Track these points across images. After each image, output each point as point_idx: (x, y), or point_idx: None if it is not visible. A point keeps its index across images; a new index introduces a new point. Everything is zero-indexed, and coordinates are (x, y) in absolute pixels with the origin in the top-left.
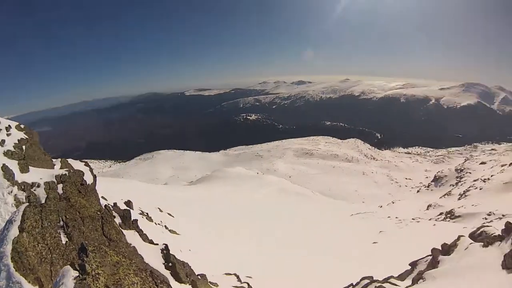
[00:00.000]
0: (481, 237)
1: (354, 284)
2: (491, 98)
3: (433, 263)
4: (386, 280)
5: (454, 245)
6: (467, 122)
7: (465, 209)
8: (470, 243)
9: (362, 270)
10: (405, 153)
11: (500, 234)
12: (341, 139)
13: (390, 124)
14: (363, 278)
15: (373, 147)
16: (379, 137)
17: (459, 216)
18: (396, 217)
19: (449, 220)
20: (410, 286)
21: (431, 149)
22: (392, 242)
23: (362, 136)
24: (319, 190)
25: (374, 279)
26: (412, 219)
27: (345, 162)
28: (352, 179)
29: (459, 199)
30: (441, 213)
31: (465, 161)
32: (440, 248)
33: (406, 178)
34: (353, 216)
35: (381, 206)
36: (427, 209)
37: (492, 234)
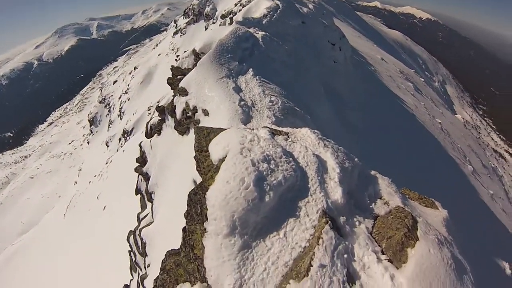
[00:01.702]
0: (153, 130)
1: None
2: (88, 31)
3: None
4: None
5: (144, 153)
6: (83, 61)
7: (134, 122)
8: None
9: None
10: (49, 124)
11: (160, 118)
12: None
13: (10, 112)
14: None
15: (15, 148)
16: (12, 135)
17: (132, 129)
18: (96, 175)
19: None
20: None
21: (62, 107)
22: (111, 191)
23: None
24: (20, 231)
25: None
26: (106, 163)
27: (6, 187)
28: (31, 192)
29: (121, 119)
30: (119, 139)
31: (101, 90)
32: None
33: (69, 144)
34: (70, 212)
35: (76, 183)
36: (108, 146)
37: (157, 121)
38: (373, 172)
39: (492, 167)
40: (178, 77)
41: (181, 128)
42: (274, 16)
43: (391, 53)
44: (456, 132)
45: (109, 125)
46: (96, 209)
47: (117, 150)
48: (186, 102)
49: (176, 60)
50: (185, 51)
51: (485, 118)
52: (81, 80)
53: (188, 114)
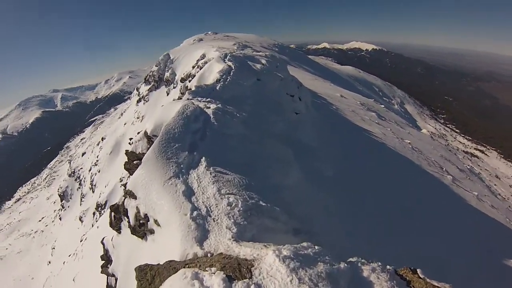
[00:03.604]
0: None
1: None
2: (53, 103)
3: None
4: None
5: (108, 251)
6: (48, 133)
7: (107, 195)
8: None
9: None
10: (16, 201)
11: (117, 217)
12: None
13: None
14: None
15: None
16: None
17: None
18: (71, 254)
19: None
20: None
21: (29, 182)
22: (88, 272)
23: None
24: None
25: None
26: (81, 241)
27: None
28: (1, 275)
29: (93, 192)
30: (93, 213)
31: (70, 163)
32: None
33: (39, 220)
34: None
35: (49, 263)
36: (81, 221)
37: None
38: (366, 273)
39: (468, 169)
40: (135, 162)
41: (138, 234)
42: (228, 80)
43: (348, 88)
44: (427, 146)
45: (81, 199)
46: None
47: (92, 226)
48: (137, 207)
49: (129, 143)
50: (138, 133)
51: (448, 125)
52: (48, 153)
53: (141, 221)
